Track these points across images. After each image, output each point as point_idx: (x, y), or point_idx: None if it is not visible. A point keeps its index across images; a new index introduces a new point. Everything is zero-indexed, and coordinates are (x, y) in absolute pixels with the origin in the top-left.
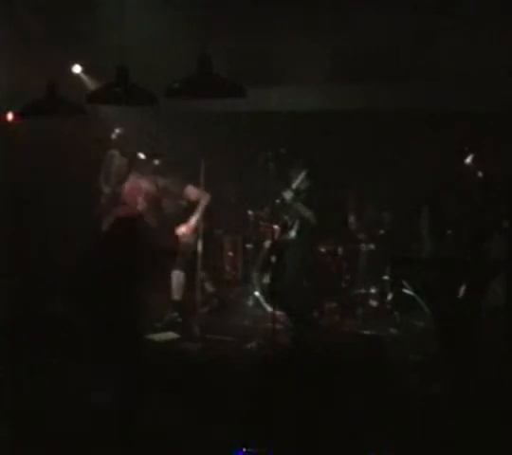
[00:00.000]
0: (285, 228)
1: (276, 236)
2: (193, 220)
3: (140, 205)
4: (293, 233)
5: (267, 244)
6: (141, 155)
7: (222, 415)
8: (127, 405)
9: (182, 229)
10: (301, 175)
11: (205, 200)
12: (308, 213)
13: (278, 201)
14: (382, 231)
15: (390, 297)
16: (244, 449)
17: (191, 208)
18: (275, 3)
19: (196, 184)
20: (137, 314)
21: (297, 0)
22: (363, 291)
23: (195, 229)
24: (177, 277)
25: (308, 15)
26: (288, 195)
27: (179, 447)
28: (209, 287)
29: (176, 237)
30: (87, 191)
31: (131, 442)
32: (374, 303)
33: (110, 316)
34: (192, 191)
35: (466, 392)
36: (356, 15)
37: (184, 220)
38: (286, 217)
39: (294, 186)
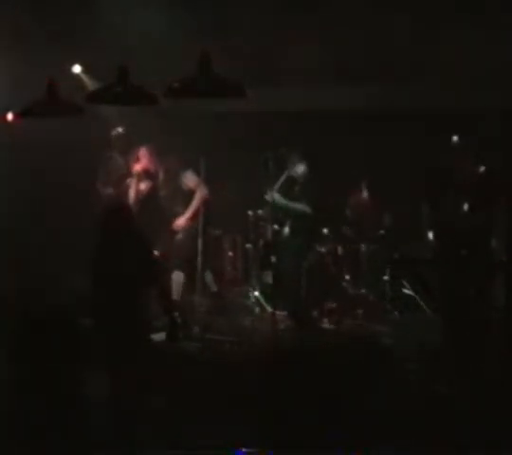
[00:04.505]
0: (281, 227)
1: (272, 235)
2: (190, 212)
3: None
4: (287, 230)
5: (267, 243)
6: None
7: (222, 415)
8: (126, 405)
9: (179, 222)
10: (283, 176)
11: (201, 191)
12: (302, 207)
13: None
14: (382, 231)
15: (390, 297)
16: (243, 449)
17: (187, 199)
18: (275, 3)
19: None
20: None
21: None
22: (363, 291)
23: (192, 221)
24: (177, 277)
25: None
26: (274, 197)
27: (179, 447)
28: (211, 286)
29: (174, 232)
30: (87, 192)
31: (131, 442)
32: (374, 303)
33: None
34: (191, 178)
35: (466, 392)
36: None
37: (181, 212)
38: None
39: (276, 187)
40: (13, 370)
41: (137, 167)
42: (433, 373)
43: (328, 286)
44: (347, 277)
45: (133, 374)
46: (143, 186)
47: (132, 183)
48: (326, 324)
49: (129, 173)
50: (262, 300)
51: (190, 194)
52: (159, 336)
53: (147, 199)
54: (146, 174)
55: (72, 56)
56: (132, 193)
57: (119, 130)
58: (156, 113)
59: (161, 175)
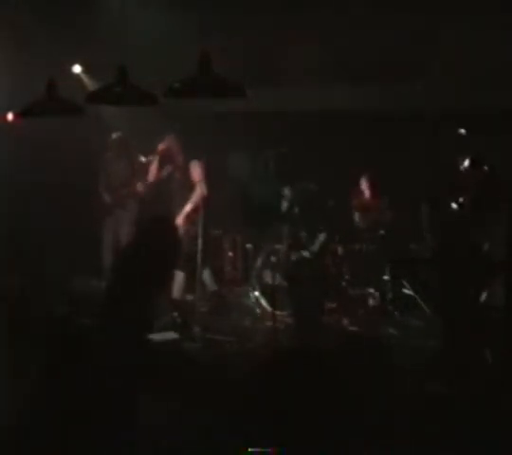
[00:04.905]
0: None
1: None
2: (188, 209)
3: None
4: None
5: (268, 244)
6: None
7: (222, 416)
8: (126, 406)
9: (178, 220)
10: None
11: (201, 188)
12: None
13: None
14: (382, 231)
15: (390, 297)
16: (250, 449)
17: (189, 193)
18: (275, 3)
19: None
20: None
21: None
22: (363, 291)
23: (191, 219)
24: (177, 276)
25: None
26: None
27: (179, 448)
28: (210, 286)
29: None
30: (87, 192)
31: (130, 443)
32: (374, 303)
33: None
34: (196, 169)
35: (466, 393)
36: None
37: (182, 204)
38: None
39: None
40: (14, 369)
41: (161, 146)
42: (433, 373)
43: (328, 286)
44: (347, 277)
45: (132, 374)
46: (163, 166)
47: (153, 161)
48: (326, 324)
49: (131, 177)
50: (262, 300)
51: (191, 188)
52: (160, 336)
53: (164, 180)
54: (167, 156)
55: (72, 56)
56: (152, 171)
57: (119, 134)
58: (156, 113)
59: (180, 161)
